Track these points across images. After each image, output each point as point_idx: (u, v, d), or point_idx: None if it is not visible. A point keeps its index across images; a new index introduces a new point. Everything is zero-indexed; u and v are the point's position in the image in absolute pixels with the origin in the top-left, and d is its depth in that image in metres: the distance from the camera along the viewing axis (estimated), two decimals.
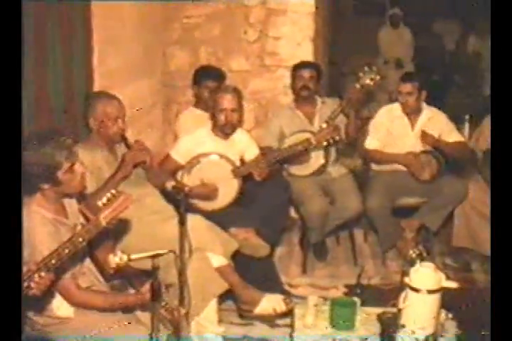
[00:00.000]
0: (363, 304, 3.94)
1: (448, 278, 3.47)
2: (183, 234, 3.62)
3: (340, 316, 3.74)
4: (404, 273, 3.52)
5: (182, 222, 3.62)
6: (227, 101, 4.73)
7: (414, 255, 3.68)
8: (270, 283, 4.62)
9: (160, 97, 6.24)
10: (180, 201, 3.70)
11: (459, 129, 6.57)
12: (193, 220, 4.01)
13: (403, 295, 3.45)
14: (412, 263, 3.59)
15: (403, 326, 3.41)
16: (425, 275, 3.38)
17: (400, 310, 3.47)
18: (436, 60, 10.23)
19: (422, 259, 3.65)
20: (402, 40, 9.90)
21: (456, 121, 7.02)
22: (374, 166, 5.73)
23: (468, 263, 5.63)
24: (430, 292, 3.35)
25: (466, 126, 7.40)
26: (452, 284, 3.43)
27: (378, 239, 5.68)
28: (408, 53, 9.94)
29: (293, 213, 5.79)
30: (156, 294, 3.03)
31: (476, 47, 10.04)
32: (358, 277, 4.82)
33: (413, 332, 3.37)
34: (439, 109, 5.77)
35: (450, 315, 3.74)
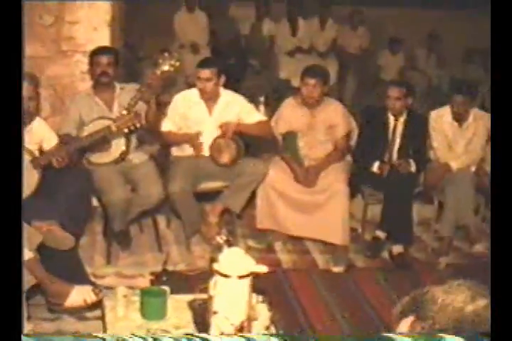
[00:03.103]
0: (172, 291, 3.93)
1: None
2: None
3: (151, 306, 3.71)
4: (213, 260, 3.53)
5: None
6: (23, 90, 4.55)
7: (221, 241, 3.71)
8: (77, 275, 4.48)
9: None
10: None
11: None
12: None
13: (213, 281, 3.46)
14: (219, 249, 3.61)
15: (215, 312, 3.42)
16: (234, 261, 3.40)
17: (210, 297, 3.49)
18: (232, 44, 10.32)
19: (230, 245, 3.69)
20: (198, 24, 9.85)
21: (253, 103, 7.17)
22: (174, 151, 5.72)
23: (271, 244, 5.73)
24: (240, 277, 3.38)
25: (262, 107, 7.59)
26: (262, 268, 3.47)
27: (182, 224, 5.67)
28: (204, 37, 9.92)
29: (95, 202, 5.64)
30: None
31: (271, 31, 10.23)
32: (163, 264, 4.81)
33: (227, 318, 3.39)
34: (236, 91, 5.84)
35: (260, 298, 3.80)
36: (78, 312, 4.38)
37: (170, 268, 5.01)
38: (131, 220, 5.50)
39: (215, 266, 3.41)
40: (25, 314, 4.02)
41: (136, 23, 8.52)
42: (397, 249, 5.55)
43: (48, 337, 2.46)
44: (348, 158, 5.89)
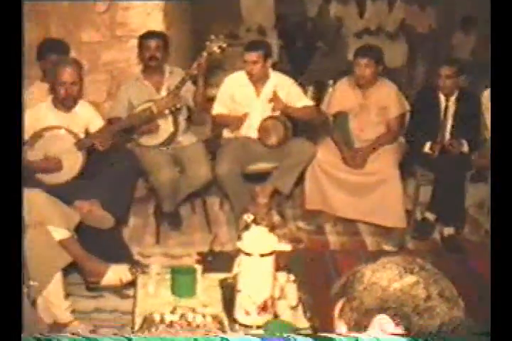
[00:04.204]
0: (214, 270, 3.96)
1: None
2: None
3: (180, 283, 3.75)
4: (239, 238, 3.56)
5: None
6: (67, 74, 4.64)
7: (248, 220, 3.74)
8: (119, 254, 4.60)
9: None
10: None
11: (323, 94, 6.67)
12: (32, 194, 3.96)
13: (237, 260, 3.50)
14: (247, 228, 3.64)
15: (239, 291, 3.46)
16: (256, 240, 3.42)
17: (236, 275, 3.53)
18: (299, 27, 10.30)
19: (257, 224, 3.72)
20: (264, 8, 9.87)
21: (321, 86, 7.12)
22: (225, 134, 5.77)
23: (321, 225, 5.74)
24: (262, 255, 3.40)
25: (330, 90, 7.53)
26: (285, 247, 3.49)
27: (231, 205, 5.73)
28: (270, 20, 9.94)
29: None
30: None
31: (338, 13, 10.16)
32: (210, 244, 4.87)
33: (250, 297, 3.42)
34: (303, 74, 5.83)
35: (292, 277, 3.81)
36: (120, 290, 4.48)
37: (217, 248, 5.06)
38: (180, 201, 5.58)
39: (239, 244, 3.44)
40: (62, 292, 4.14)
41: (201, 6, 8.55)
42: (448, 231, 5.48)
43: (49, 336, 2.53)
44: (401, 138, 5.82)
